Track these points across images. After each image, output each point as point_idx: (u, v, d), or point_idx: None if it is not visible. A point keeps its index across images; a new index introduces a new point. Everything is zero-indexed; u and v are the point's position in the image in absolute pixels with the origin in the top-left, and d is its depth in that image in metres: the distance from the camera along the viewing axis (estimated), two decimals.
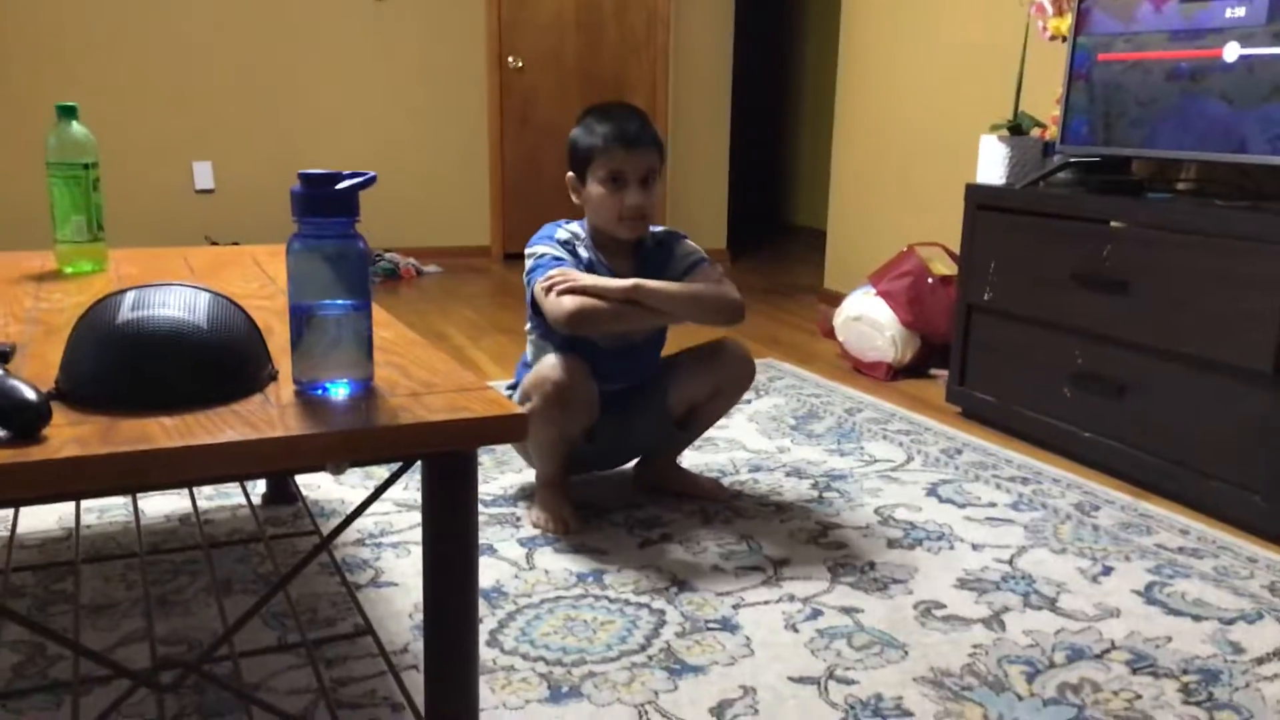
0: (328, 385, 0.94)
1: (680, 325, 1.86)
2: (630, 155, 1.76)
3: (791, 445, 2.36)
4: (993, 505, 2.00)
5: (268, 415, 0.88)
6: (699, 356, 1.92)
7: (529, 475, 2.09)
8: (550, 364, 1.74)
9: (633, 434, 1.95)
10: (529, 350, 1.92)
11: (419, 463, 0.94)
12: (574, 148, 1.81)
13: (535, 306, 1.78)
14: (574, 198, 1.85)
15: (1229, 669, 1.40)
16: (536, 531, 1.82)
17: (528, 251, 1.83)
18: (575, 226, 1.87)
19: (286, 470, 0.89)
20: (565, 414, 1.76)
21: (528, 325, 1.91)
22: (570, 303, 1.69)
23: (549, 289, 1.71)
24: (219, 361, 0.92)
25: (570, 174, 1.84)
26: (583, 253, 1.82)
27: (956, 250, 2.75)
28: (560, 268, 1.75)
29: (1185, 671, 1.39)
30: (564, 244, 1.82)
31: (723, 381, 1.91)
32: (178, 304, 0.93)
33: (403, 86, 5.04)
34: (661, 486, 2.02)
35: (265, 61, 4.79)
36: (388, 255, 4.75)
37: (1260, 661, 1.43)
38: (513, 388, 1.90)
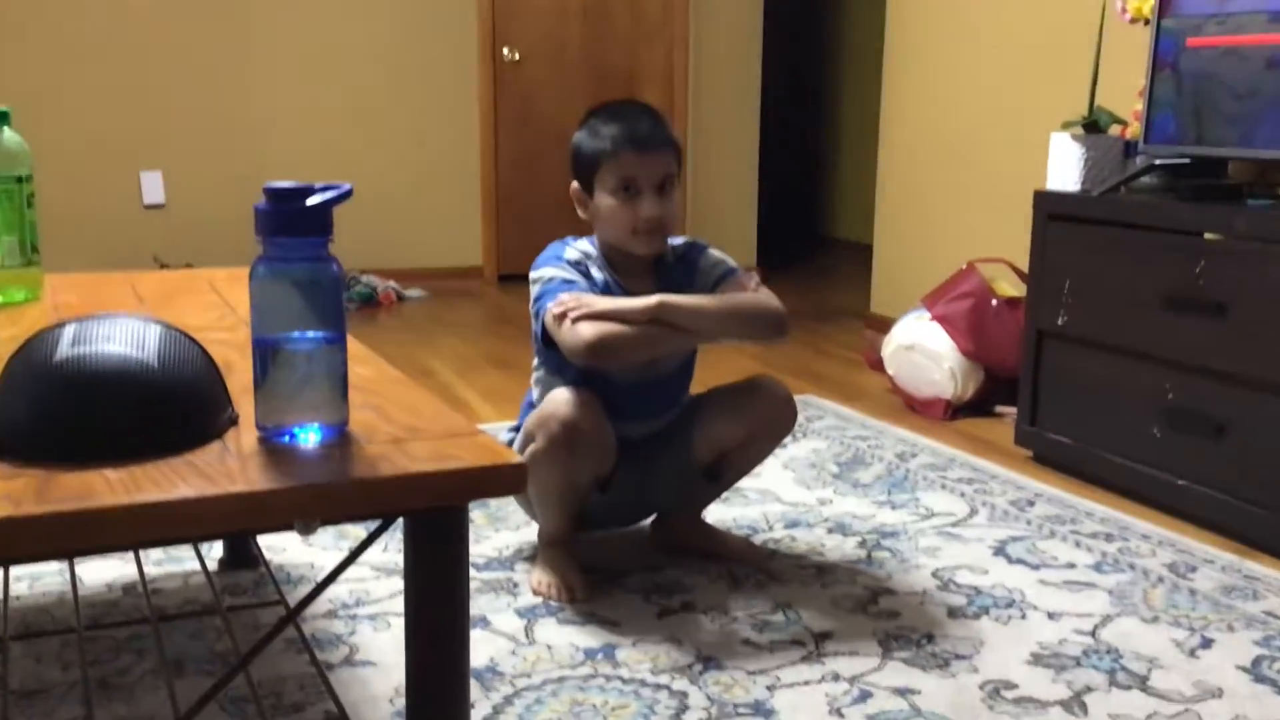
0: (296, 431, 0.94)
1: (715, 347, 1.88)
2: (643, 159, 1.78)
3: (834, 497, 2.35)
4: (1071, 566, 1.99)
5: (227, 467, 0.88)
6: (731, 396, 1.92)
7: (529, 533, 2.09)
8: (559, 399, 1.75)
9: (652, 485, 1.95)
10: (534, 390, 1.93)
11: (400, 521, 0.94)
12: (578, 154, 1.83)
13: (545, 338, 1.79)
14: (580, 212, 1.87)
15: None
16: (538, 600, 1.82)
17: (533, 276, 1.84)
18: (585, 244, 1.88)
19: (248, 530, 0.90)
20: (575, 459, 1.76)
21: (535, 361, 1.92)
22: (589, 330, 1.70)
23: (562, 316, 1.72)
24: (171, 405, 0.93)
25: (575, 184, 1.86)
26: (596, 274, 1.83)
27: (1024, 267, 2.75)
28: (572, 292, 1.76)
29: None
30: (574, 265, 1.84)
31: (758, 426, 1.91)
32: (124, 339, 0.95)
33: (381, 86, 5.10)
34: (683, 546, 2.01)
35: (224, 58, 4.85)
36: (364, 278, 4.78)
37: None
38: (515, 431, 1.91)
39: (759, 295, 1.82)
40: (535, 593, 1.84)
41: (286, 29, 4.93)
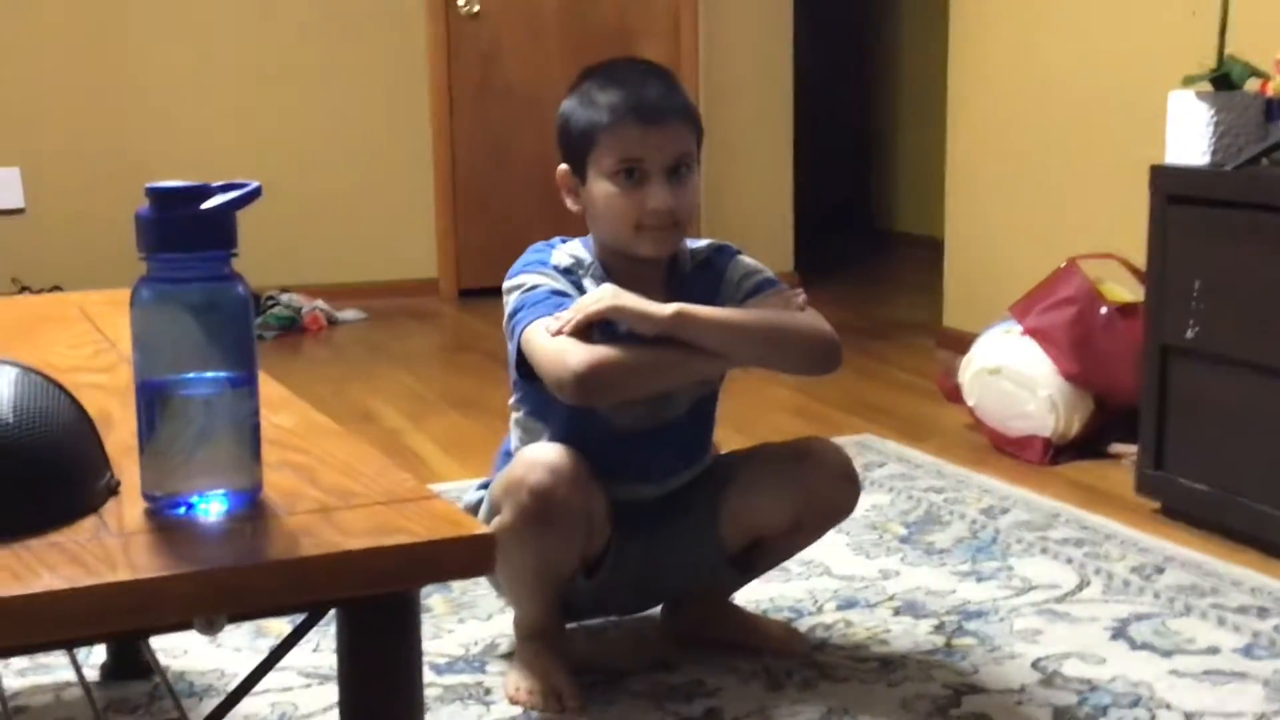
0: (194, 501, 0.95)
1: (741, 376, 1.89)
2: (651, 134, 1.77)
3: (902, 567, 2.35)
4: (1214, 652, 1.98)
5: (105, 549, 0.88)
6: (772, 466, 1.90)
7: (505, 623, 2.09)
8: (531, 459, 1.74)
9: (663, 568, 1.94)
10: (513, 434, 1.93)
11: (332, 613, 0.94)
12: (566, 128, 1.83)
13: (523, 368, 1.78)
14: (569, 202, 1.87)
15: None
16: (517, 709, 1.81)
17: (507, 286, 1.84)
18: (577, 248, 1.88)
19: (135, 632, 0.90)
20: (550, 537, 1.74)
21: (512, 398, 1.92)
22: (580, 356, 1.67)
23: (558, 333, 1.71)
24: (31, 470, 0.93)
25: (563, 167, 1.85)
26: (589, 286, 1.83)
27: (1141, 264, 2.75)
28: (562, 308, 1.75)
29: None
30: (564, 273, 1.84)
31: (807, 510, 1.89)
32: None
33: (302, 51, 5.12)
34: (704, 635, 2.01)
35: (97, 22, 4.88)
36: (284, 298, 4.79)
37: None
38: (486, 489, 1.91)
39: (806, 315, 1.82)
40: (513, 701, 1.83)
41: None
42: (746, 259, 1.92)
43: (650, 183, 1.77)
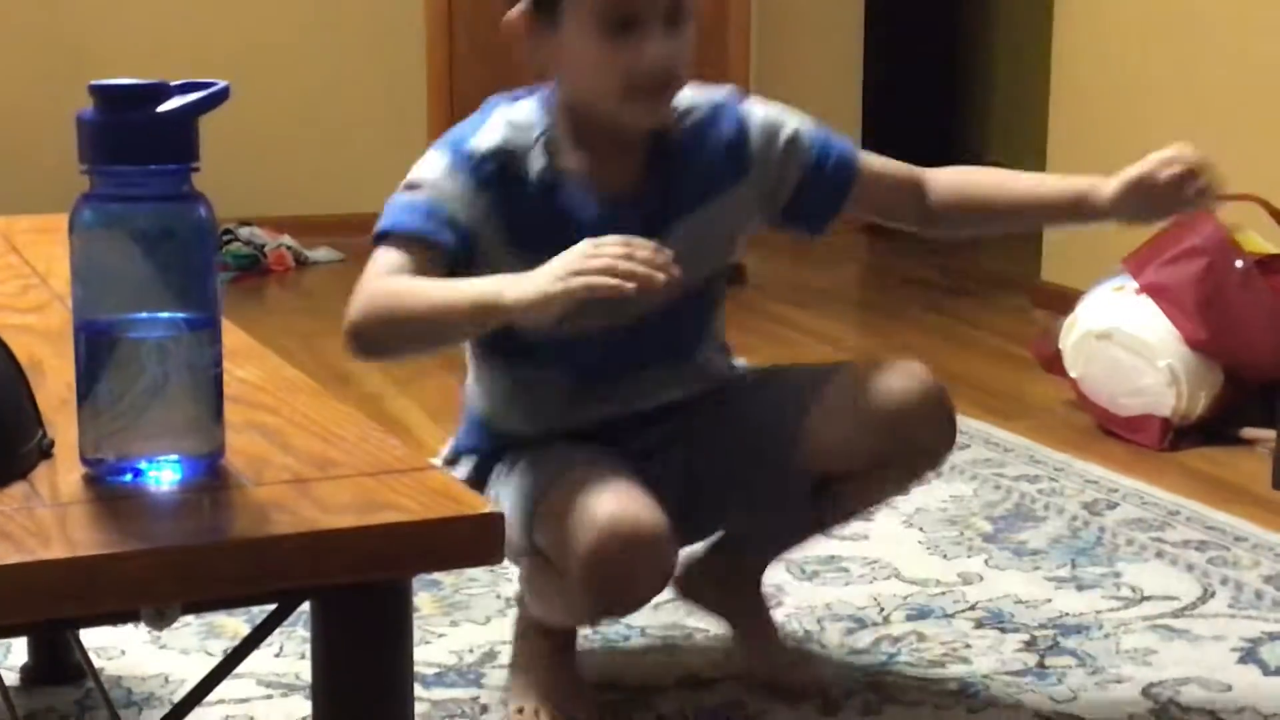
0: (143, 466, 0.95)
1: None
2: None
3: (986, 570, 2.36)
4: None
5: (34, 521, 0.89)
6: (859, 384, 1.84)
7: (503, 628, 2.10)
8: (603, 521, 1.63)
9: (715, 495, 1.91)
10: (471, 373, 1.92)
11: (305, 607, 0.95)
12: None
13: None
14: (526, 54, 1.77)
15: None
16: None
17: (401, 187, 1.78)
18: (528, 109, 1.80)
19: (68, 621, 0.90)
20: (621, 601, 1.73)
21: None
22: (357, 306, 1.65)
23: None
24: None
25: (522, 6, 1.74)
26: (534, 165, 1.75)
27: None
28: (416, 226, 1.70)
29: None
30: (493, 157, 1.74)
31: (895, 440, 1.82)
32: None
33: None
34: (712, 607, 2.02)
35: None
36: (245, 232, 4.81)
37: None
38: (454, 458, 1.91)
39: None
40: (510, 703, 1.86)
41: None
42: (766, 110, 1.86)
43: (646, 33, 1.67)
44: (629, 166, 1.78)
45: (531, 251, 1.61)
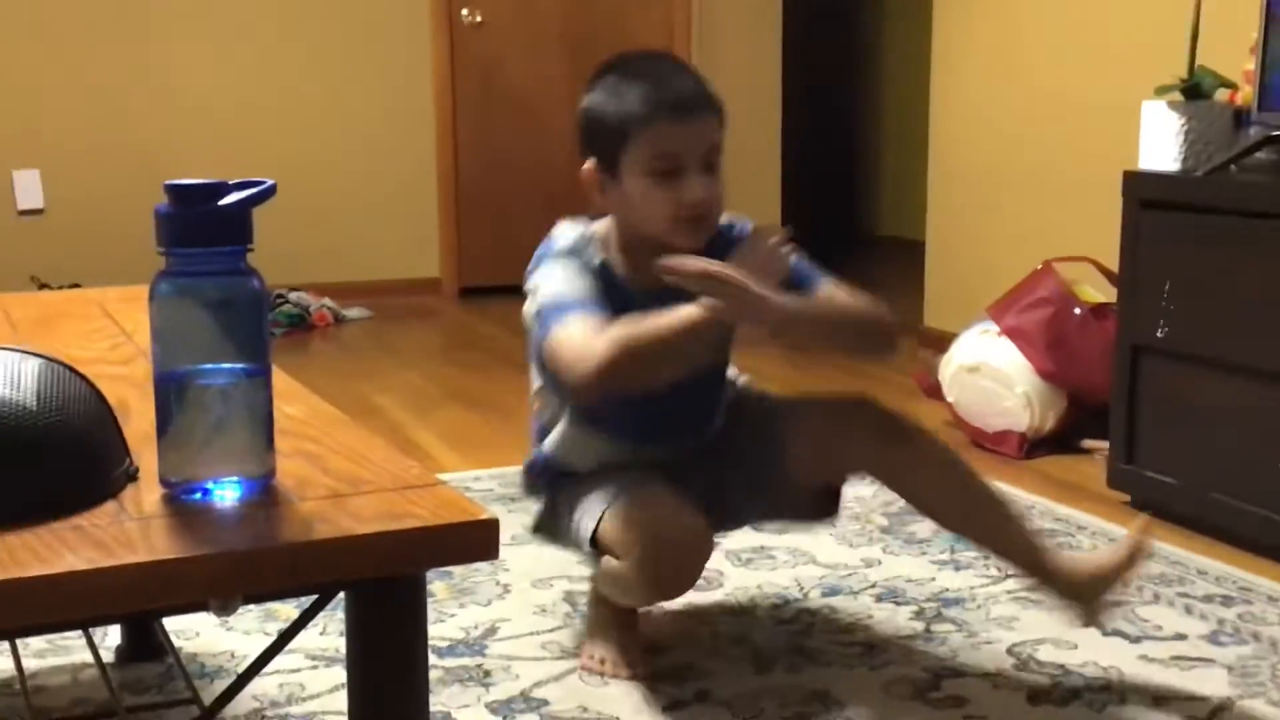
0: (210, 486, 0.95)
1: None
2: (685, 128, 1.70)
3: (883, 556, 2.36)
4: (1181, 638, 1.99)
5: (124, 532, 0.88)
6: (835, 420, 1.88)
7: (502, 609, 2.09)
8: (658, 532, 1.70)
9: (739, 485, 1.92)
10: (540, 414, 1.92)
11: (341, 596, 0.94)
12: (595, 122, 1.75)
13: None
14: (595, 196, 1.79)
15: None
16: (515, 692, 1.81)
17: (530, 285, 1.77)
18: (582, 227, 1.82)
19: (152, 611, 0.90)
20: (671, 589, 1.79)
21: (535, 385, 1.90)
22: (603, 347, 1.59)
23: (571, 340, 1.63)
24: (55, 456, 0.93)
25: (590, 163, 1.77)
26: (594, 260, 1.77)
27: (1113, 267, 2.76)
28: (588, 311, 1.66)
29: None
30: (572, 253, 1.77)
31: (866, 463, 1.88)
32: None
33: (312, 57, 5.12)
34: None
35: (113, 27, 4.87)
36: (293, 296, 4.79)
37: None
38: (535, 472, 1.92)
39: (870, 303, 1.79)
40: (586, 668, 1.87)
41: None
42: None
43: (686, 176, 1.70)
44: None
45: None
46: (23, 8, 4.74)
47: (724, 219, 1.86)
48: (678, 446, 1.89)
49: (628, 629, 1.90)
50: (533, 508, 1.96)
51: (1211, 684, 1.83)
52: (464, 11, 5.31)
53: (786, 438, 1.87)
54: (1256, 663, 1.90)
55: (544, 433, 1.90)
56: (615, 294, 1.74)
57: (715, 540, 1.84)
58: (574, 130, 1.79)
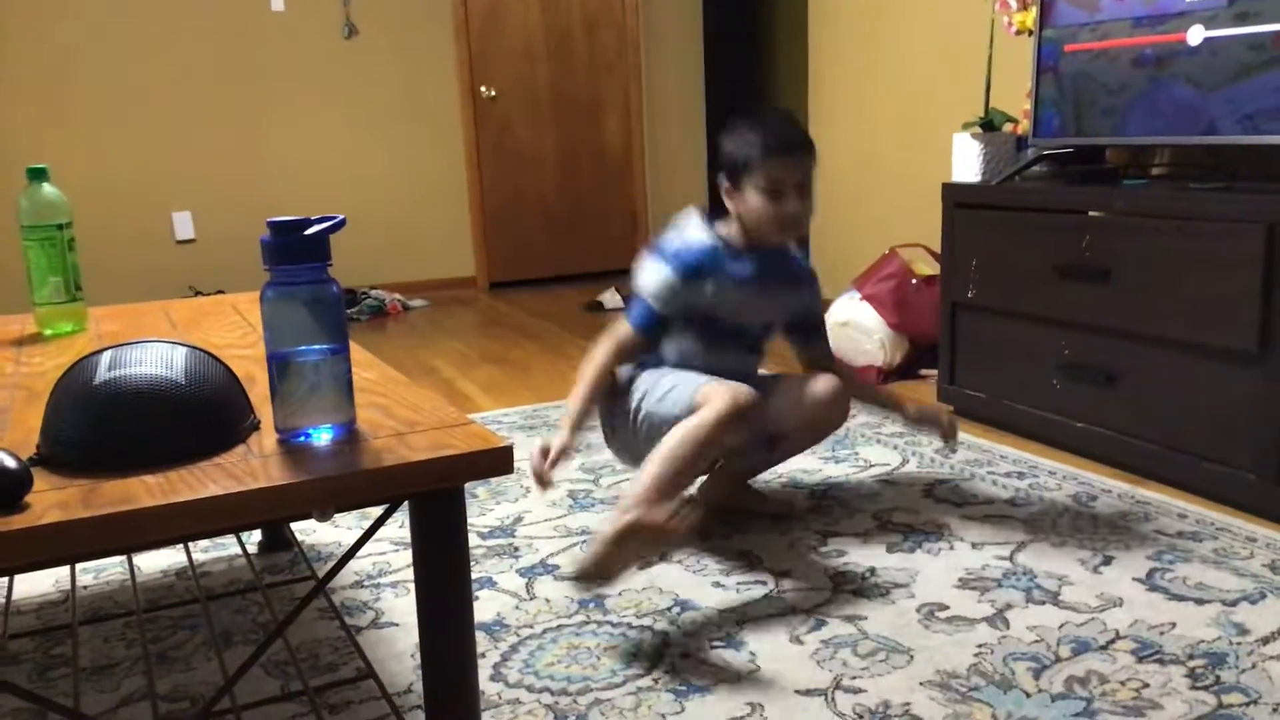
0: (310, 432, 0.94)
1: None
2: (791, 164, 1.74)
3: None
4: (990, 502, 2.00)
5: (250, 467, 0.87)
6: (794, 387, 1.88)
7: (526, 504, 2.09)
8: (734, 393, 1.67)
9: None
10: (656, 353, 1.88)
11: (406, 503, 0.94)
12: (731, 155, 1.79)
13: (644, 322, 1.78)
14: (727, 201, 1.82)
15: (1234, 651, 1.40)
16: (536, 560, 1.81)
17: (642, 263, 1.80)
18: (722, 227, 1.83)
19: (273, 520, 0.89)
20: (733, 433, 1.69)
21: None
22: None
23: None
24: (198, 416, 0.92)
25: (724, 179, 1.81)
26: (709, 243, 1.79)
27: (938, 249, 2.76)
28: (645, 331, 1.77)
29: (1191, 656, 1.39)
30: (685, 261, 1.77)
31: (810, 421, 1.88)
32: (154, 360, 0.93)
33: (378, 122, 5.06)
34: (732, 504, 2.01)
35: (238, 106, 4.80)
36: (373, 292, 4.75)
37: (1265, 641, 1.43)
38: (638, 381, 1.84)
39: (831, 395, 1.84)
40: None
41: (293, 80, 4.87)
42: (817, 279, 1.98)
43: (788, 197, 1.75)
44: (770, 251, 1.83)
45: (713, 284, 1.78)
46: (181, 99, 4.66)
47: (803, 252, 1.94)
48: (738, 354, 1.88)
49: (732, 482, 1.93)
50: (619, 407, 1.87)
51: (1012, 532, 1.85)
52: (482, 88, 5.24)
53: (771, 398, 1.85)
54: (1041, 517, 1.92)
55: (655, 360, 1.86)
56: (728, 253, 1.80)
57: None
58: (717, 158, 1.83)
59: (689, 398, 1.71)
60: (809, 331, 1.97)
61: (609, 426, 1.86)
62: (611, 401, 1.84)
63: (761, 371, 1.97)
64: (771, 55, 7.33)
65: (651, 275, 1.79)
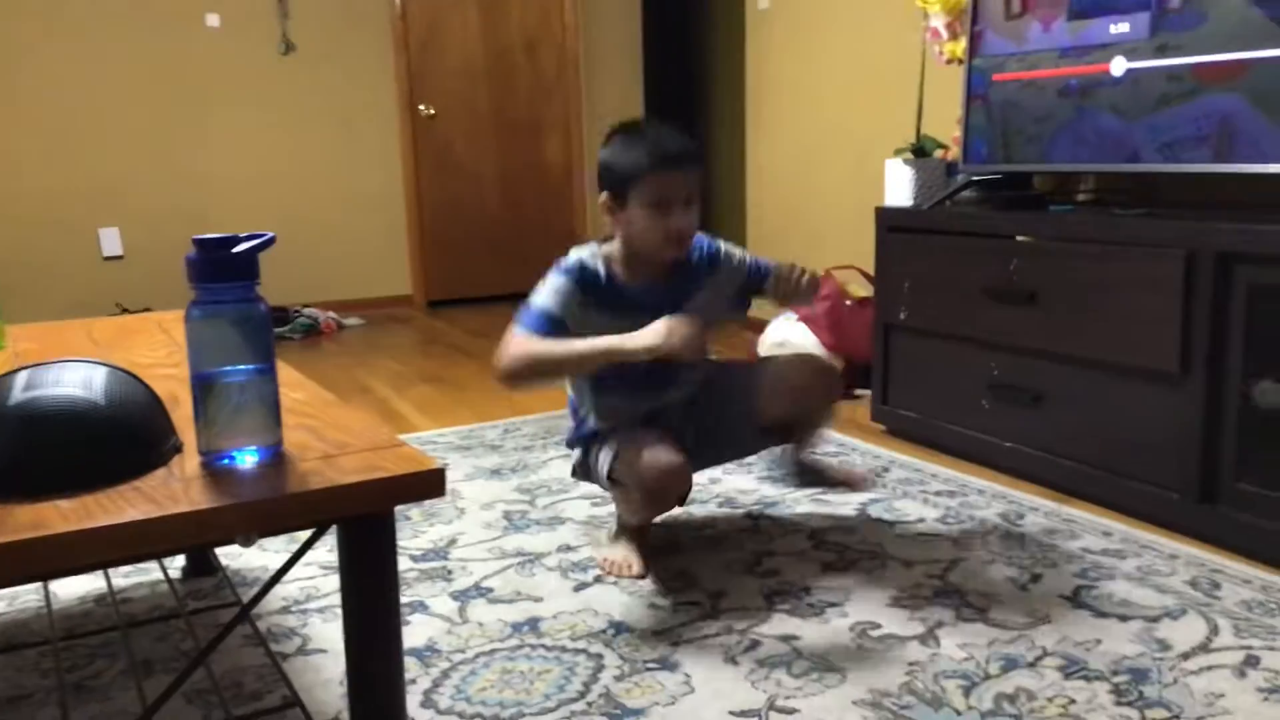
0: (234, 454, 0.91)
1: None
2: (675, 177, 1.69)
3: (723, 475, 2.35)
4: (921, 521, 2.02)
5: (171, 490, 0.85)
6: (787, 371, 1.87)
7: (460, 526, 2.06)
8: (652, 463, 1.68)
9: (713, 442, 1.90)
10: (574, 395, 1.88)
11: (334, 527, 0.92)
12: (610, 169, 1.73)
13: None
14: (606, 217, 1.76)
15: (1157, 666, 1.43)
16: (469, 583, 1.79)
17: (543, 282, 1.76)
18: (592, 247, 1.80)
19: (194, 546, 0.87)
20: (663, 504, 1.78)
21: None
22: (511, 354, 1.63)
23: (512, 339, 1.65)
24: (118, 438, 0.89)
25: (605, 195, 1.74)
26: (599, 268, 1.74)
27: (872, 272, 2.80)
28: (539, 331, 1.67)
29: (1116, 672, 1.42)
30: (579, 270, 1.74)
31: (807, 402, 1.87)
32: (72, 381, 0.91)
33: (314, 138, 4.99)
34: (798, 478, 2.00)
35: (170, 121, 4.70)
36: (306, 311, 4.67)
37: (1186, 656, 1.46)
38: (573, 436, 1.89)
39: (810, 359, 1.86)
40: (604, 569, 1.82)
41: (227, 96, 4.79)
42: (733, 248, 1.87)
43: (674, 211, 1.70)
44: (655, 275, 1.77)
45: (606, 316, 1.70)
46: (110, 106, 4.55)
47: (701, 237, 1.86)
48: (664, 394, 1.86)
49: (642, 543, 1.86)
50: (573, 456, 1.91)
51: (942, 550, 1.87)
52: (421, 106, 5.21)
53: (757, 385, 1.85)
54: (971, 535, 1.94)
55: (578, 403, 1.88)
56: (612, 289, 1.74)
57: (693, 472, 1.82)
58: (595, 172, 1.77)
59: (606, 463, 1.76)
60: (760, 282, 1.85)
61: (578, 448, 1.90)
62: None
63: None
64: (710, 75, 7.41)
65: (541, 287, 1.74)
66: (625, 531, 1.88)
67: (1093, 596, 1.66)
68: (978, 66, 2.43)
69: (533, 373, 1.67)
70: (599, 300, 1.73)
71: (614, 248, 1.78)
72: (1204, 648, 1.48)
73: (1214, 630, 1.54)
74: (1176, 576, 1.73)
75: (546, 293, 1.73)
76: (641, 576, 1.79)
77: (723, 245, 1.87)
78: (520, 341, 1.67)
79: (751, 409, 1.86)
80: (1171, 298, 1.89)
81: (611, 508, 2.14)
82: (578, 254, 1.78)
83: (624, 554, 1.84)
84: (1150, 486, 1.98)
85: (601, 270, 1.75)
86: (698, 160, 1.74)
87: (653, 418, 1.84)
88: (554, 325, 1.69)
